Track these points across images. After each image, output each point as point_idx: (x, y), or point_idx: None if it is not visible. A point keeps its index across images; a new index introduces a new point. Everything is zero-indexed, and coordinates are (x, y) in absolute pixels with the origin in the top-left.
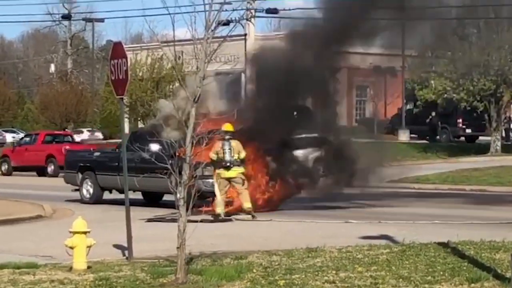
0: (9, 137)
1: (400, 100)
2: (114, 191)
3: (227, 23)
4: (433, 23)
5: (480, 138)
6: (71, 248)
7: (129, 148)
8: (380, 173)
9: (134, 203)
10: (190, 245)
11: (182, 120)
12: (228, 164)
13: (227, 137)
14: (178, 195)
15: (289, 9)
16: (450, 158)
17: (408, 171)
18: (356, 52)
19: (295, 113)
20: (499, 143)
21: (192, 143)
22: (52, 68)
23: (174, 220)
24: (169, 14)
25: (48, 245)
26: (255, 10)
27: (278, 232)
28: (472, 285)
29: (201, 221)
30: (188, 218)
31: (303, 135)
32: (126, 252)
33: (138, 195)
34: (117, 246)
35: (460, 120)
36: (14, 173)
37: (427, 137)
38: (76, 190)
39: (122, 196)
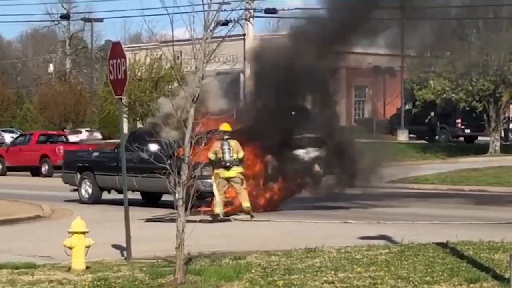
0: (8, 137)
1: (399, 100)
2: (112, 191)
3: (226, 23)
4: (433, 23)
5: (479, 138)
6: (70, 248)
7: (128, 148)
8: (379, 173)
9: (133, 203)
10: (188, 245)
11: (181, 119)
12: (228, 163)
13: (225, 137)
14: (177, 195)
15: (288, 9)
16: (449, 158)
17: (407, 171)
18: (355, 52)
19: (293, 112)
20: (498, 143)
21: (191, 143)
22: (51, 68)
23: (173, 220)
24: (168, 14)
25: (46, 245)
26: (254, 10)
27: (277, 232)
28: (471, 285)
29: (200, 221)
30: (187, 218)
31: (300, 135)
32: (125, 252)
33: (137, 195)
34: (115, 246)
35: (459, 120)
36: (8, 173)
37: (426, 137)
38: (74, 190)
39: (121, 196)
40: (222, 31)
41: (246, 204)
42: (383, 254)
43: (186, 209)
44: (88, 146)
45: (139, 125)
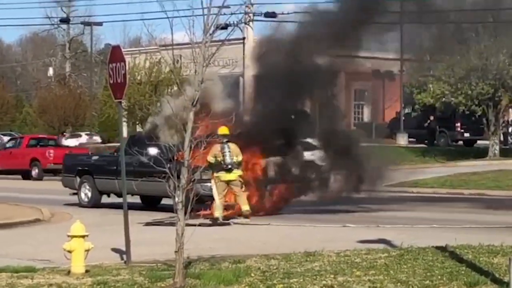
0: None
1: (399, 104)
2: (112, 195)
3: (225, 27)
4: (432, 27)
5: (479, 142)
6: (69, 252)
7: (127, 152)
8: (383, 177)
9: (132, 207)
10: (188, 249)
11: (184, 120)
12: (229, 166)
13: (225, 140)
14: (176, 199)
15: (287, 13)
16: (449, 162)
17: (406, 175)
18: (354, 56)
19: (292, 116)
20: (497, 147)
21: (191, 147)
22: (51, 71)
23: (172, 224)
24: (168, 18)
25: (46, 249)
26: (254, 14)
27: (276, 236)
28: None
29: (200, 225)
30: (186, 222)
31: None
32: (124, 256)
33: (137, 199)
34: (115, 250)
35: (459, 124)
36: None
37: (426, 141)
38: (74, 194)
39: (120, 200)
40: (221, 34)
41: (246, 207)
42: (383, 258)
43: (185, 213)
44: (80, 150)
45: (138, 128)
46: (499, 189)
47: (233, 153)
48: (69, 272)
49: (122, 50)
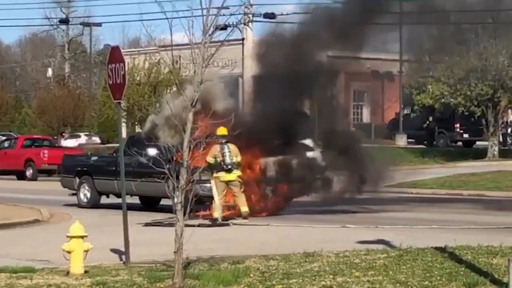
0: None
1: (398, 105)
2: (111, 195)
3: (224, 27)
4: (432, 28)
5: (478, 143)
6: (68, 252)
7: (126, 152)
8: (381, 177)
9: (132, 207)
10: (187, 250)
11: (183, 120)
12: (229, 166)
13: (224, 140)
14: (175, 200)
15: (287, 14)
16: (448, 163)
17: (405, 176)
18: (354, 56)
19: (293, 116)
20: (496, 148)
21: (190, 148)
22: (50, 72)
23: (171, 225)
24: (167, 18)
25: (45, 249)
26: (253, 15)
27: (276, 236)
28: None
29: (199, 225)
30: (185, 223)
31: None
32: (123, 257)
33: (136, 200)
34: (114, 251)
35: (458, 125)
36: None
37: (425, 142)
38: (73, 194)
39: (119, 200)
40: (221, 35)
41: (245, 208)
42: (382, 259)
43: (184, 214)
44: (74, 150)
45: (137, 129)
46: (498, 190)
47: (232, 153)
48: (68, 272)
49: (121, 50)
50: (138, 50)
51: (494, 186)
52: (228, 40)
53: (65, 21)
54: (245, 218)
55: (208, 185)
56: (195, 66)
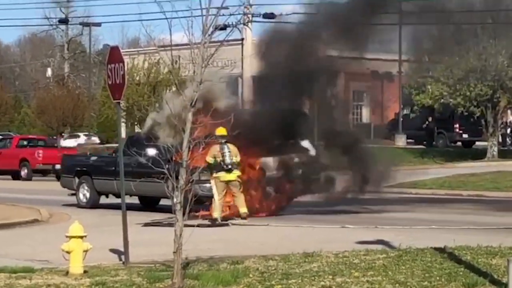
0: None
1: (397, 105)
2: (110, 195)
3: (224, 27)
4: (431, 28)
5: (477, 143)
6: (68, 252)
7: (126, 152)
8: (381, 177)
9: (131, 207)
10: (186, 250)
11: (184, 119)
12: (230, 166)
13: (223, 140)
14: (175, 200)
15: (286, 14)
16: (447, 163)
17: (405, 176)
18: (353, 57)
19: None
20: (495, 148)
21: (189, 148)
22: (49, 72)
23: (170, 225)
24: (166, 18)
25: (44, 249)
26: (252, 15)
27: (275, 237)
28: None
29: (198, 225)
30: (184, 223)
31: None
32: (123, 257)
33: (135, 200)
34: (113, 251)
35: (457, 125)
36: None
37: (424, 142)
38: (72, 194)
39: (118, 200)
40: (220, 35)
41: (244, 210)
42: (381, 259)
43: (184, 214)
44: (69, 150)
45: (137, 129)
46: (498, 190)
47: (232, 153)
48: (67, 272)
49: (121, 50)
50: (137, 50)
51: (494, 186)
52: (228, 40)
53: (64, 21)
54: (244, 219)
55: (207, 185)
56: (195, 66)
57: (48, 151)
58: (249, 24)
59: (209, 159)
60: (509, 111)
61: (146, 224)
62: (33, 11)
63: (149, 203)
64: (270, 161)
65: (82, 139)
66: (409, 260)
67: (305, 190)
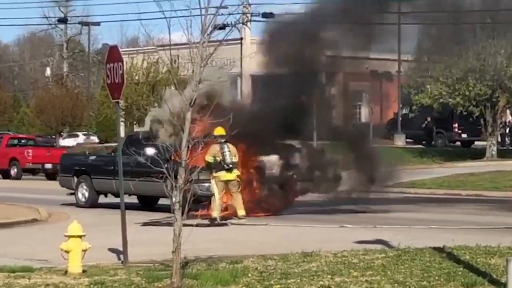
0: None
1: (396, 105)
2: (109, 195)
3: (223, 27)
4: (430, 28)
5: (476, 143)
6: (67, 252)
7: (124, 152)
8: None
9: (130, 207)
10: (185, 249)
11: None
12: (230, 166)
13: (223, 140)
14: (173, 199)
15: (285, 14)
16: (446, 163)
17: (404, 176)
18: (352, 56)
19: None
20: (494, 148)
21: (188, 147)
22: (48, 71)
23: (169, 224)
24: (165, 18)
25: (43, 249)
26: (251, 14)
27: (274, 236)
28: None
29: (197, 225)
30: (183, 222)
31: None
32: (122, 256)
33: (134, 199)
34: (112, 250)
35: (456, 125)
36: None
37: (423, 142)
38: (71, 194)
39: (117, 200)
40: (219, 35)
41: (242, 212)
42: (380, 259)
43: (183, 213)
44: (59, 150)
45: (136, 129)
46: (497, 190)
47: (232, 153)
48: (66, 272)
49: (120, 50)
50: (136, 50)
51: (492, 186)
52: (227, 40)
53: (63, 20)
54: (241, 219)
55: (206, 184)
56: (194, 66)
57: (37, 150)
58: (248, 23)
59: (209, 158)
60: (508, 111)
61: (145, 224)
62: (32, 11)
63: (148, 203)
64: (275, 158)
65: (81, 138)
66: (408, 259)
67: (310, 189)
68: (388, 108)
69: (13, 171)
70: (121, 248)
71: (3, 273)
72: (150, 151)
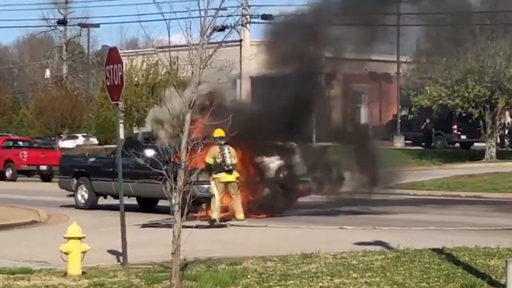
0: None
1: (395, 106)
2: (109, 196)
3: (222, 28)
4: (429, 29)
5: (475, 144)
6: (66, 253)
7: (124, 153)
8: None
9: (129, 208)
10: (185, 251)
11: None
12: (230, 167)
13: (222, 142)
14: (173, 201)
15: (288, 13)
16: (445, 165)
17: (404, 177)
18: (351, 58)
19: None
20: (494, 150)
21: (187, 149)
22: (48, 73)
23: (169, 226)
24: (165, 19)
25: (42, 250)
26: (251, 16)
27: (273, 238)
28: None
29: (196, 226)
30: (183, 224)
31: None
32: (121, 258)
33: (133, 201)
34: (111, 252)
35: (455, 127)
36: None
37: (422, 144)
38: (71, 195)
39: (117, 201)
40: (218, 36)
41: (241, 216)
42: (379, 260)
43: (182, 215)
44: (54, 152)
45: (135, 130)
46: (496, 191)
47: (231, 154)
48: (65, 273)
49: (119, 51)
50: (136, 51)
51: (492, 187)
52: (226, 42)
53: (63, 22)
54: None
55: (205, 186)
56: (193, 68)
57: (32, 152)
58: (248, 25)
59: (209, 160)
60: (507, 112)
61: (144, 225)
62: (32, 12)
63: (147, 204)
64: (276, 159)
65: (80, 140)
66: (407, 261)
67: (312, 190)
68: (387, 109)
69: (8, 173)
70: (120, 250)
71: (2, 275)
72: (149, 152)
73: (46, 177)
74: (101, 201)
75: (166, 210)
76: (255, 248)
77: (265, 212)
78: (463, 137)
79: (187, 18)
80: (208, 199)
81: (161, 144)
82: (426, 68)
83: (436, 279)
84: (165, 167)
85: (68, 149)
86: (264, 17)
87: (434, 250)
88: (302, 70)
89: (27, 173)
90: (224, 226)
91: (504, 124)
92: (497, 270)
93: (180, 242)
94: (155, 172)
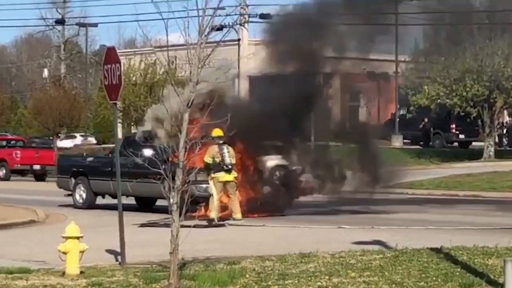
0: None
1: (394, 106)
2: (107, 196)
3: (220, 28)
4: (428, 29)
5: (473, 143)
6: (64, 253)
7: (122, 153)
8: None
9: (127, 208)
10: (183, 250)
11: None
12: (229, 167)
13: (221, 141)
14: (171, 200)
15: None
16: (444, 164)
17: (403, 176)
18: (349, 57)
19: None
20: (492, 149)
21: (186, 148)
22: (46, 73)
23: (167, 225)
24: (163, 19)
25: (41, 250)
26: (249, 16)
27: (271, 237)
28: None
29: (194, 226)
30: (181, 223)
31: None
32: (119, 257)
33: (131, 200)
34: (110, 251)
35: (454, 126)
36: None
37: (421, 143)
38: (69, 195)
39: (115, 201)
40: (216, 36)
41: (238, 216)
42: (377, 259)
43: (180, 214)
44: (48, 151)
45: (133, 130)
46: (494, 190)
47: (230, 154)
48: (63, 273)
49: (117, 51)
50: (134, 51)
51: (490, 186)
52: (224, 41)
53: (61, 22)
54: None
55: (203, 185)
56: (191, 67)
57: (26, 151)
58: (246, 24)
59: (208, 160)
60: (505, 112)
61: (143, 225)
62: (30, 12)
63: (145, 204)
64: (276, 158)
65: (78, 139)
66: (405, 260)
67: (313, 189)
68: (386, 108)
69: (2, 172)
70: (118, 249)
71: (0, 275)
72: (147, 152)
73: (39, 177)
74: (99, 200)
75: (164, 210)
76: (253, 248)
77: (266, 211)
78: (462, 136)
79: (185, 17)
80: (206, 198)
81: (159, 144)
82: (424, 68)
83: (434, 278)
84: (163, 166)
85: (66, 148)
86: (262, 16)
87: (432, 249)
88: (301, 69)
89: (21, 173)
90: (223, 225)
91: (502, 123)
92: (495, 269)
93: (178, 241)
94: (153, 171)
